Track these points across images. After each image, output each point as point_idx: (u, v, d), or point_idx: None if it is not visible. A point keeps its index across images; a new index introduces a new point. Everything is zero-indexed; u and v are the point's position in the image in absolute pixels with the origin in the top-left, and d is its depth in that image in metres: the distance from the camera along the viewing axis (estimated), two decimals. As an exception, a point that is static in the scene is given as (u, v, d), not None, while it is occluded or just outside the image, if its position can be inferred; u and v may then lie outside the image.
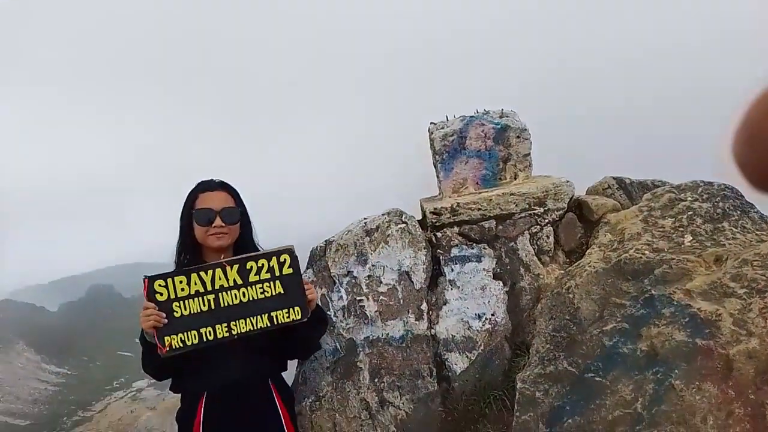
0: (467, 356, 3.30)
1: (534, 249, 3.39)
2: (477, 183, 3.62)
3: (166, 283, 2.51)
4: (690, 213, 3.07)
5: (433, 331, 3.32)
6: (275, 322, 2.58)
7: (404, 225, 3.35)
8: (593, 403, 2.89)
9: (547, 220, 3.39)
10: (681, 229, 3.04)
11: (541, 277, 3.35)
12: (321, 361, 3.33)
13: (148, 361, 2.61)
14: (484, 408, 3.19)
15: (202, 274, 2.54)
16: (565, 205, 3.41)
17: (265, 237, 2.90)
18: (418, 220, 3.47)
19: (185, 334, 2.49)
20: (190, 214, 2.68)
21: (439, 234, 3.38)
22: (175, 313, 2.49)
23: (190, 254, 2.71)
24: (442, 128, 3.65)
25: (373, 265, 3.31)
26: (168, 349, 2.46)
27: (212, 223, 2.62)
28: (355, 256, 3.32)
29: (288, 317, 2.59)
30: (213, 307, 2.54)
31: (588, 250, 3.20)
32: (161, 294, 2.49)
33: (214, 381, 2.60)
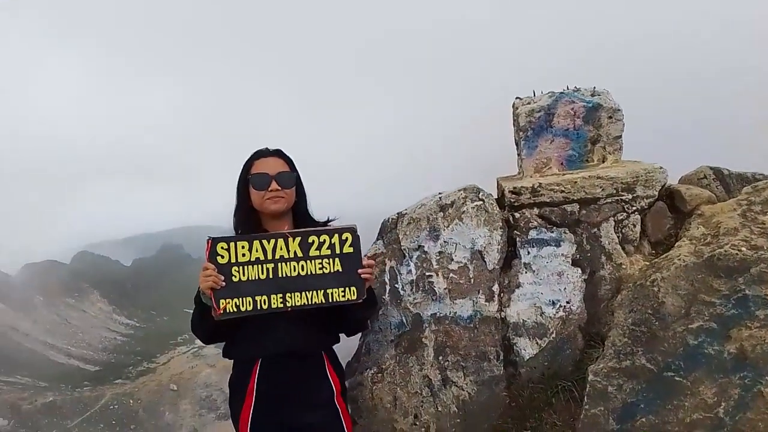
0: (537, 342, 3.17)
1: (618, 237, 3.20)
2: (561, 164, 3.44)
3: (229, 246, 2.52)
4: (795, 211, 2.84)
5: (503, 313, 3.21)
6: (330, 300, 2.59)
7: (481, 202, 3.23)
8: (670, 403, 2.76)
9: (634, 208, 3.20)
10: (784, 227, 2.81)
11: (624, 267, 3.17)
12: (385, 333, 3.29)
13: (198, 323, 2.64)
14: (550, 397, 3.08)
15: (264, 242, 2.56)
16: (656, 193, 3.20)
17: (321, 214, 2.90)
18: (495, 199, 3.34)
19: (240, 299, 2.51)
20: (246, 180, 2.72)
21: (517, 214, 3.25)
22: (233, 278, 2.51)
23: (247, 220, 2.73)
24: (528, 104, 3.48)
25: (445, 242, 3.22)
26: (222, 312, 2.48)
27: (268, 187, 2.64)
28: (427, 231, 3.24)
29: (343, 296, 2.60)
30: (271, 276, 2.55)
31: (677, 243, 3.02)
32: (222, 257, 2.51)
33: (269, 348, 2.62)
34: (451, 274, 3.21)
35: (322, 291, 2.58)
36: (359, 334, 3.34)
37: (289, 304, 2.55)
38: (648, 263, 3.05)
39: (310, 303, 2.57)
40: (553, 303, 3.17)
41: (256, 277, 2.53)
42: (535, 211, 3.22)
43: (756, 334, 2.66)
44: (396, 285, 3.25)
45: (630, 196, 3.18)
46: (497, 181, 3.61)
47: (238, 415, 2.66)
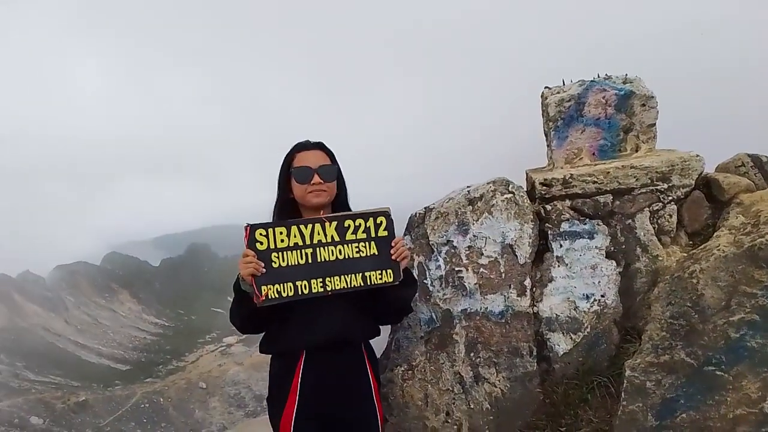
0: (571, 338, 3.10)
1: (654, 228, 3.11)
2: (593, 154, 3.35)
3: (267, 232, 2.54)
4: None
5: (535, 308, 3.14)
6: (368, 283, 2.62)
7: (511, 195, 3.16)
8: (712, 398, 2.67)
9: (670, 198, 3.10)
10: (828, 215, 2.71)
11: (660, 259, 3.08)
12: (415, 329, 3.24)
13: (236, 311, 2.66)
14: (586, 393, 3.01)
15: (301, 227, 2.58)
16: (693, 182, 3.10)
17: (354, 203, 2.91)
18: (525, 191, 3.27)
19: (281, 285, 2.52)
20: (288, 174, 2.75)
21: (548, 207, 3.17)
22: (273, 263, 2.53)
23: (289, 213, 2.75)
24: (558, 93, 3.39)
25: (474, 236, 3.16)
26: (264, 298, 2.50)
27: (310, 181, 2.67)
28: (456, 225, 3.18)
29: (380, 279, 2.63)
30: (310, 261, 2.57)
31: (716, 233, 2.93)
32: (261, 243, 2.53)
33: (314, 338, 2.62)
34: (481, 269, 3.14)
35: (360, 274, 2.61)
36: (389, 331, 3.31)
37: (329, 288, 2.57)
38: (686, 254, 2.96)
39: (349, 286, 2.60)
40: (587, 297, 3.09)
41: (296, 263, 2.55)
42: (567, 203, 3.15)
43: (801, 327, 2.56)
44: (425, 281, 3.20)
45: (665, 186, 3.09)
46: (526, 174, 3.53)
47: (282, 408, 2.66)
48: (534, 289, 3.16)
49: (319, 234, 2.59)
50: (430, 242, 3.22)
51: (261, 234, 2.53)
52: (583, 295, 3.10)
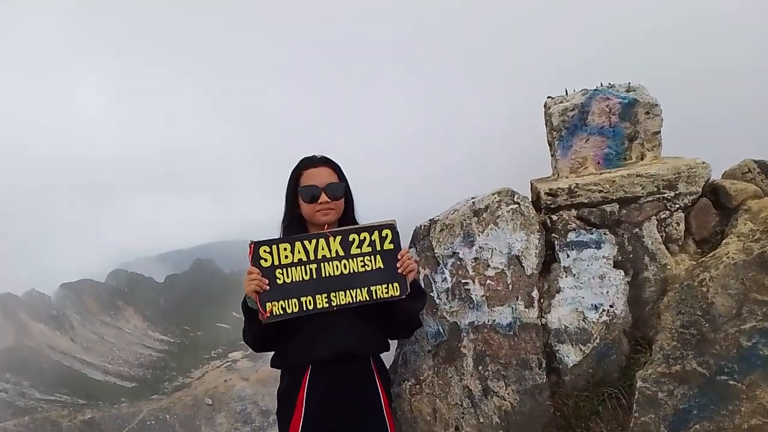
0: (581, 349, 3.06)
1: (661, 236, 3.08)
2: (598, 162, 3.33)
3: (271, 249, 2.54)
4: None
5: (543, 320, 3.11)
6: (374, 297, 2.59)
7: (516, 206, 3.14)
8: (725, 408, 2.63)
9: (677, 206, 3.07)
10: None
11: (669, 267, 3.04)
12: (422, 343, 3.21)
13: (248, 330, 2.64)
14: (597, 405, 2.97)
15: (306, 242, 2.57)
16: (699, 190, 3.07)
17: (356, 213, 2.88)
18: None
19: (286, 301, 2.52)
20: (295, 192, 2.73)
21: (554, 217, 3.15)
22: (277, 280, 2.52)
23: (297, 229, 2.73)
24: (561, 102, 3.37)
25: (480, 247, 3.14)
26: (269, 314, 2.49)
27: (318, 200, 2.65)
28: (461, 237, 3.16)
29: (387, 293, 2.59)
30: (315, 276, 2.56)
31: (724, 240, 2.89)
32: (265, 260, 2.53)
33: (320, 352, 2.61)
34: (488, 281, 3.12)
35: (366, 288, 2.58)
36: (396, 345, 3.28)
37: (334, 303, 2.55)
38: (694, 262, 2.93)
39: (354, 301, 2.57)
40: (596, 307, 3.06)
41: (300, 279, 2.55)
42: (573, 212, 3.12)
43: (814, 334, 2.53)
44: (431, 293, 3.18)
45: (672, 194, 3.06)
46: (531, 184, 3.51)
47: (288, 423, 2.65)
48: (542, 300, 3.12)
49: (323, 249, 2.57)
50: (436, 255, 3.19)
51: (265, 251, 2.52)
52: (592, 305, 3.06)
